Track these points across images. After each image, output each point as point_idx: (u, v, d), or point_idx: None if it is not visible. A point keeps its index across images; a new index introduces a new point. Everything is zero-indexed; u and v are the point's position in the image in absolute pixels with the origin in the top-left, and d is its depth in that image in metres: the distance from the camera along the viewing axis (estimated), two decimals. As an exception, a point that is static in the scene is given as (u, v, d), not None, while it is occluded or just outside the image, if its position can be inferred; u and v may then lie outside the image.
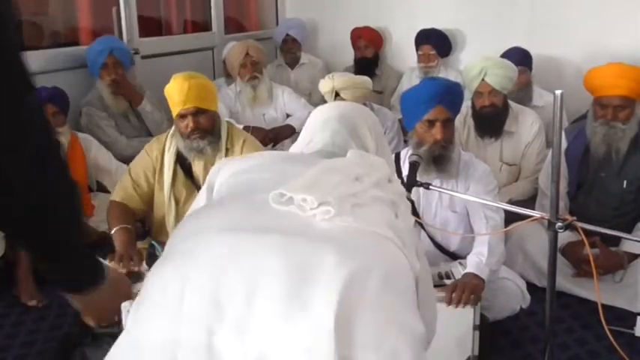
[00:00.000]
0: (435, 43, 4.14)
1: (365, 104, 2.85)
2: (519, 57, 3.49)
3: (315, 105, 2.64)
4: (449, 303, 1.94)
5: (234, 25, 5.03)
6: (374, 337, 0.86)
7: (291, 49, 4.61)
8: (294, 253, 0.89)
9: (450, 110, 2.21)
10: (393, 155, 2.22)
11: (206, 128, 2.36)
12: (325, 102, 2.73)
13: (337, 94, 3.04)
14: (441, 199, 2.29)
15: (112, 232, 2.26)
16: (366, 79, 3.18)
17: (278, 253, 0.89)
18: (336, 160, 1.16)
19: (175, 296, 0.88)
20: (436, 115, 2.17)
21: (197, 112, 2.34)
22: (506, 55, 3.51)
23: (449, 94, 2.21)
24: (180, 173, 2.43)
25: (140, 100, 3.56)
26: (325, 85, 3.11)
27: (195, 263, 0.91)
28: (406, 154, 2.29)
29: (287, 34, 4.57)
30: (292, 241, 0.92)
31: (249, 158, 1.28)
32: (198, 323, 0.86)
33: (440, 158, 2.18)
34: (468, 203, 2.22)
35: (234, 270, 0.88)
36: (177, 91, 2.33)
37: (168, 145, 2.43)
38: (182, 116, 2.36)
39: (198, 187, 2.27)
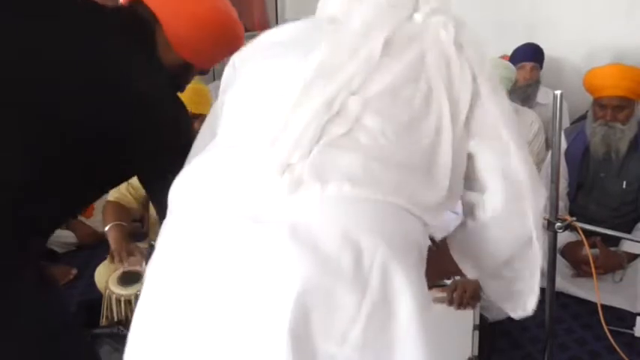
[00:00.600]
0: (435, 43, 4.13)
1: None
2: (532, 53, 3.52)
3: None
4: (450, 303, 1.95)
5: (234, 25, 5.02)
6: (338, 332, 0.81)
7: (292, 49, 4.60)
8: (247, 248, 0.82)
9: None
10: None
11: None
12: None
13: None
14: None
15: (106, 229, 2.23)
16: None
17: (230, 248, 0.83)
18: (335, 42, 1.01)
19: (160, 281, 0.91)
20: None
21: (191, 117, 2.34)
22: (519, 50, 3.53)
23: None
24: None
25: None
26: None
27: (162, 252, 0.92)
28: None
29: (288, 34, 4.56)
30: (248, 228, 0.83)
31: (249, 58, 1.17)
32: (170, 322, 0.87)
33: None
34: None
35: (183, 266, 0.88)
36: None
37: None
38: None
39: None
